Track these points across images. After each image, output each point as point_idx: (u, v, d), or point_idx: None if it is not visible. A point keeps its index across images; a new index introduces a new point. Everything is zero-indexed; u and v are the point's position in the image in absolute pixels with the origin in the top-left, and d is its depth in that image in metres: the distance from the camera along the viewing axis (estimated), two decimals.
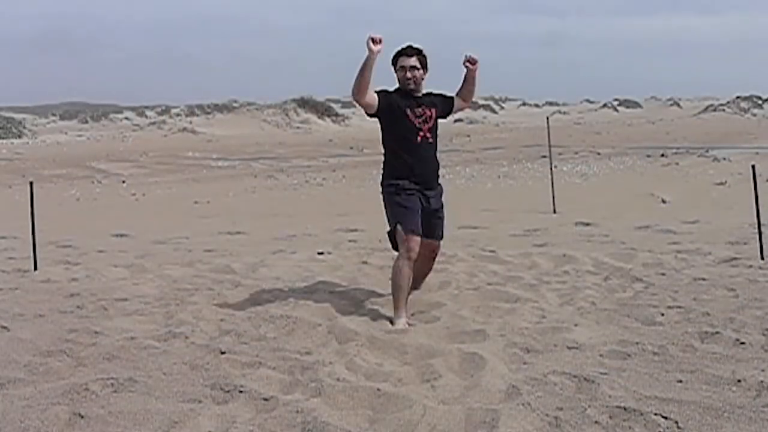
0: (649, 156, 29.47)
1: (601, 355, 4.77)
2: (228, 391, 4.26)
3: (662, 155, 29.35)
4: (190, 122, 64.30)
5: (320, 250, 9.25)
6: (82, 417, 3.95)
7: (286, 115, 67.35)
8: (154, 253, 9.53)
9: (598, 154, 32.34)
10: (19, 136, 58.02)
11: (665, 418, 3.73)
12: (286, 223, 12.95)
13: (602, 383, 4.18)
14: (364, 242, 10.11)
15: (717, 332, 5.15)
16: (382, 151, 6.18)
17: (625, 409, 3.83)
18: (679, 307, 5.92)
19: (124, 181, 27.78)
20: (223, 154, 37.91)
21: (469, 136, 47.55)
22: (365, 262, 8.35)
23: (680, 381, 4.25)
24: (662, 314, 5.72)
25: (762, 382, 4.14)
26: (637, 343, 5.00)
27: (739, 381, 4.20)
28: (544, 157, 24.87)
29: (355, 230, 11.65)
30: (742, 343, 4.92)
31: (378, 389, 4.19)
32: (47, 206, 19.35)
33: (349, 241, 10.41)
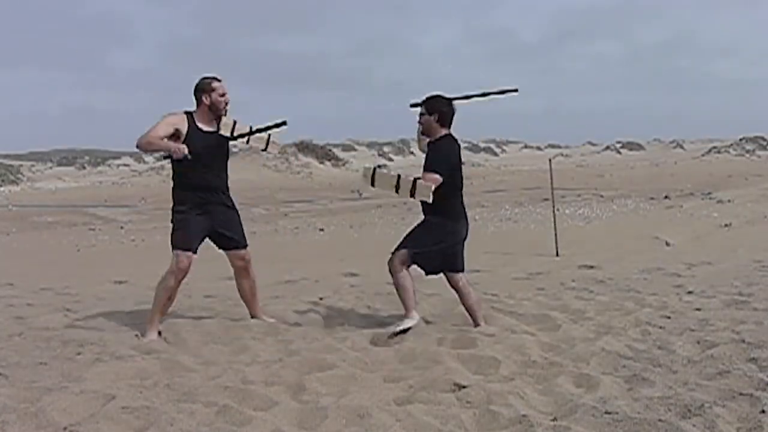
0: (652, 198, 29.45)
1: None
2: None
3: (666, 197, 29.34)
4: None
5: (321, 296, 9.14)
6: None
7: (286, 159, 67.55)
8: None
9: (601, 196, 32.37)
10: (16, 183, 58.18)
11: None
12: (286, 268, 12.83)
13: None
14: (363, 286, 10.00)
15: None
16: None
17: None
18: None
19: (122, 227, 27.76)
20: None
21: (470, 179, 47.61)
22: (369, 307, 8.23)
23: None
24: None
25: None
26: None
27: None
28: (547, 200, 24.88)
29: (356, 275, 11.53)
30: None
31: None
32: (45, 253, 19.29)
33: (351, 285, 10.29)
